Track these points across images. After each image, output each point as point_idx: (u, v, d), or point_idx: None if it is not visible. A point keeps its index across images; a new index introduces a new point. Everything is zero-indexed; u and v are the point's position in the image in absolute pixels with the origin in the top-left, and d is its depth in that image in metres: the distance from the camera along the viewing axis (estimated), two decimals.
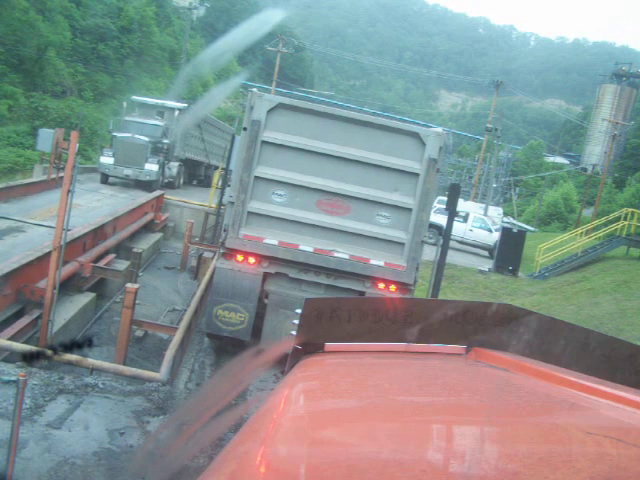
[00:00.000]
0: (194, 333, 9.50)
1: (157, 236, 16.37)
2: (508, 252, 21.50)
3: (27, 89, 31.47)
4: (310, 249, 8.32)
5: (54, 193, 14.61)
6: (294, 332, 2.16)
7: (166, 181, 22.92)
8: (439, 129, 9.18)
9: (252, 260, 8.41)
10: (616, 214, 25.80)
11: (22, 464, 4.96)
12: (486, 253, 26.06)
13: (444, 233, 11.04)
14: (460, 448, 1.34)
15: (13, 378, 6.12)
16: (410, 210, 8.31)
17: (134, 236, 14.73)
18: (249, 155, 8.13)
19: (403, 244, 8.39)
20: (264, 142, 8.17)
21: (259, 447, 1.35)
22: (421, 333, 2.12)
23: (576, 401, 1.60)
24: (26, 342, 7.48)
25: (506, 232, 22.67)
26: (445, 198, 15.26)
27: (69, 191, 7.21)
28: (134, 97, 25.87)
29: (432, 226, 18.25)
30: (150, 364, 8.60)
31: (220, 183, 18.15)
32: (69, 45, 37.38)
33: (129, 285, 8.05)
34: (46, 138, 15.72)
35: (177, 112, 24.17)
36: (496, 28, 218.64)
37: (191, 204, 20.48)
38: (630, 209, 25.38)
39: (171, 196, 20.69)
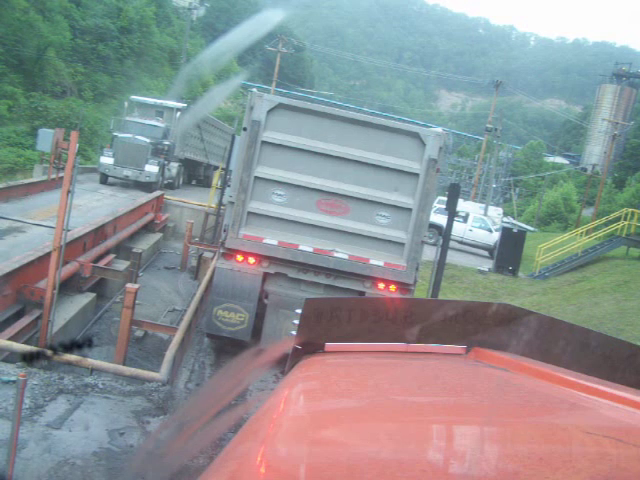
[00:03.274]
0: (194, 333, 9.50)
1: (157, 236, 16.37)
2: (508, 252, 21.51)
3: (27, 89, 31.46)
4: (310, 249, 8.32)
5: (54, 193, 14.62)
6: (294, 332, 2.16)
7: (166, 182, 22.91)
8: (439, 129, 9.18)
9: (252, 260, 8.41)
10: (616, 214, 25.81)
11: (22, 464, 4.96)
12: (486, 253, 26.06)
13: (444, 233, 11.03)
14: (460, 448, 1.34)
15: (13, 378, 6.12)
16: (410, 210, 8.31)
17: (134, 236, 14.73)
18: (249, 155, 8.13)
19: (403, 244, 8.39)
20: (264, 142, 8.17)
21: (259, 447, 1.35)
22: (421, 333, 2.12)
23: (576, 401, 1.60)
24: (26, 342, 7.49)
25: (506, 232, 22.67)
26: (445, 198, 15.27)
27: (69, 191, 7.21)
28: (134, 97, 25.85)
29: (432, 226, 18.26)
30: (150, 364, 8.60)
31: (220, 183, 18.15)
32: (69, 45, 37.39)
33: (129, 285, 8.05)
34: (46, 138, 15.78)
35: (177, 112, 24.14)
36: (496, 28, 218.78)
37: (191, 204, 20.48)
38: (630, 209, 25.39)
39: (171, 196, 20.69)
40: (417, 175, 8.23)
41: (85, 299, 9.84)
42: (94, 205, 16.57)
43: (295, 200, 8.32)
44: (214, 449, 4.36)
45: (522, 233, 23.49)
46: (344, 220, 8.35)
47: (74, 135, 7.54)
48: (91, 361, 7.02)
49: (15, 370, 6.40)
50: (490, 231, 26.05)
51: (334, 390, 1.79)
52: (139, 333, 9.60)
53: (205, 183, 28.67)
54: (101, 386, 6.71)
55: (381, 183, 8.28)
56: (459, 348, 2.13)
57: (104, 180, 21.31)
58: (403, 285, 8.44)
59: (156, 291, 12.46)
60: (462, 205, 26.78)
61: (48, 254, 7.91)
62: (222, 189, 16.35)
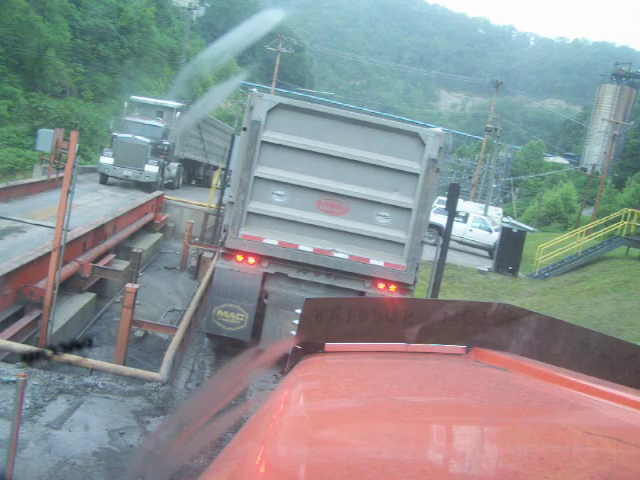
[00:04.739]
0: (194, 333, 9.50)
1: (157, 236, 16.37)
2: (508, 252, 21.51)
3: (27, 89, 31.45)
4: (310, 249, 8.32)
5: (54, 193, 14.62)
6: (294, 332, 2.16)
7: (166, 182, 22.91)
8: (439, 129, 9.18)
9: (252, 260, 8.41)
10: (616, 214, 25.81)
11: (22, 464, 4.96)
12: (486, 253, 26.05)
13: (444, 233, 11.04)
14: (460, 448, 1.34)
15: (13, 378, 6.12)
16: (410, 210, 8.32)
17: (134, 236, 14.72)
18: (249, 155, 8.13)
19: (403, 244, 8.39)
20: (264, 142, 8.17)
21: (259, 447, 1.35)
22: (421, 333, 2.12)
23: (576, 401, 1.60)
24: (26, 342, 7.48)
25: (506, 232, 22.68)
26: (445, 198, 15.26)
27: (69, 191, 7.22)
28: (134, 97, 25.84)
29: (432, 226, 18.27)
30: (150, 364, 8.60)
31: (220, 183, 18.15)
32: (69, 45, 37.35)
33: (129, 285, 8.05)
34: (46, 138, 15.81)
35: (177, 112, 24.15)
36: (496, 28, 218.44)
37: (191, 204, 20.48)
38: (630, 209, 25.39)
39: (171, 196, 20.70)
40: (417, 175, 8.23)
41: (85, 299, 9.84)
42: (94, 205, 16.57)
43: (295, 200, 8.33)
44: (214, 449, 4.36)
45: (522, 233, 23.49)
46: (344, 220, 8.36)
47: (74, 135, 7.54)
48: (91, 361, 7.02)
49: (15, 370, 6.39)
50: (490, 231, 26.05)
51: (334, 390, 1.79)
52: (139, 333, 9.60)
53: (205, 183, 28.66)
54: (101, 386, 6.71)
55: (381, 183, 8.28)
56: (459, 348, 2.13)
57: (104, 180, 21.30)
58: (403, 285, 8.44)
59: (156, 291, 12.46)
60: (462, 205, 26.78)
61: (48, 254, 7.91)
62: (222, 189, 16.35)
